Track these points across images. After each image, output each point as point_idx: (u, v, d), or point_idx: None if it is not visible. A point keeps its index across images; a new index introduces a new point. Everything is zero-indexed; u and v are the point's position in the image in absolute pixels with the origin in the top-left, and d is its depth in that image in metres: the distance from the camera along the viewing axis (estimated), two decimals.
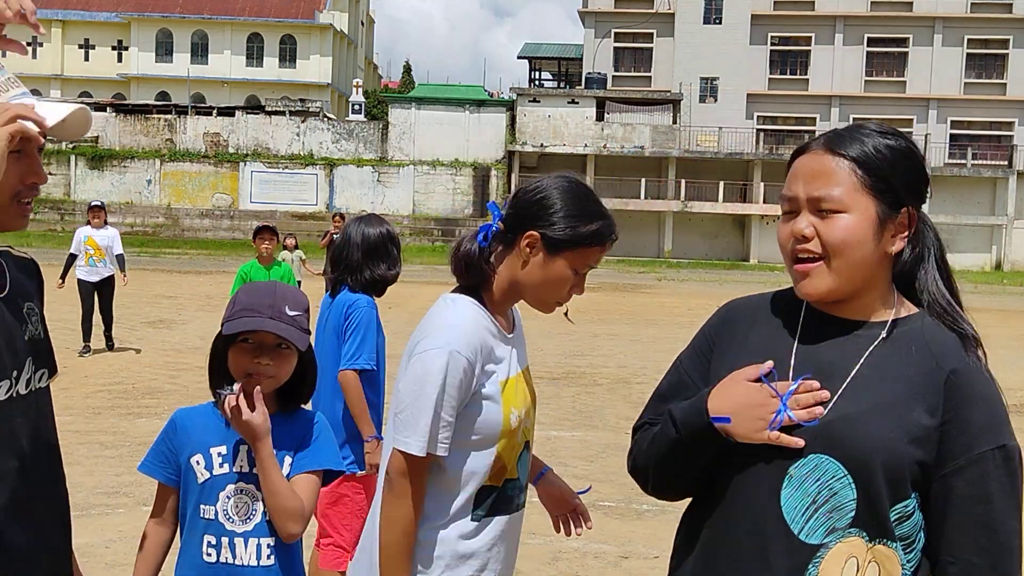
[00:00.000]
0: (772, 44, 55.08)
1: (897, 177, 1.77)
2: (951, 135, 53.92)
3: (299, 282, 11.80)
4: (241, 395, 2.30)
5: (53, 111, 1.89)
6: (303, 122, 51.49)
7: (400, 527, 2.20)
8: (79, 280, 12.79)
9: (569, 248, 2.24)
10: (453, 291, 2.36)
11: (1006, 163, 51.57)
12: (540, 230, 2.26)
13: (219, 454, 2.39)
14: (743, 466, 1.78)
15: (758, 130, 53.16)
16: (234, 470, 2.38)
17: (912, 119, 54.29)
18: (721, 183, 49.81)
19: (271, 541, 2.37)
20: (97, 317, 12.94)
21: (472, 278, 2.33)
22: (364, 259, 4.34)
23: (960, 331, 1.79)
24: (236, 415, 2.29)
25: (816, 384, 1.74)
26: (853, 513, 1.70)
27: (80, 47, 66.38)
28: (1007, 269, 49.02)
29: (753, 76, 54.47)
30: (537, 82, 62.58)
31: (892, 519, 1.71)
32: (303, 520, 2.36)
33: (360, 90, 56.07)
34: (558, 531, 2.65)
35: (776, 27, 55.05)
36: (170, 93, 62.88)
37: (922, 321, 1.80)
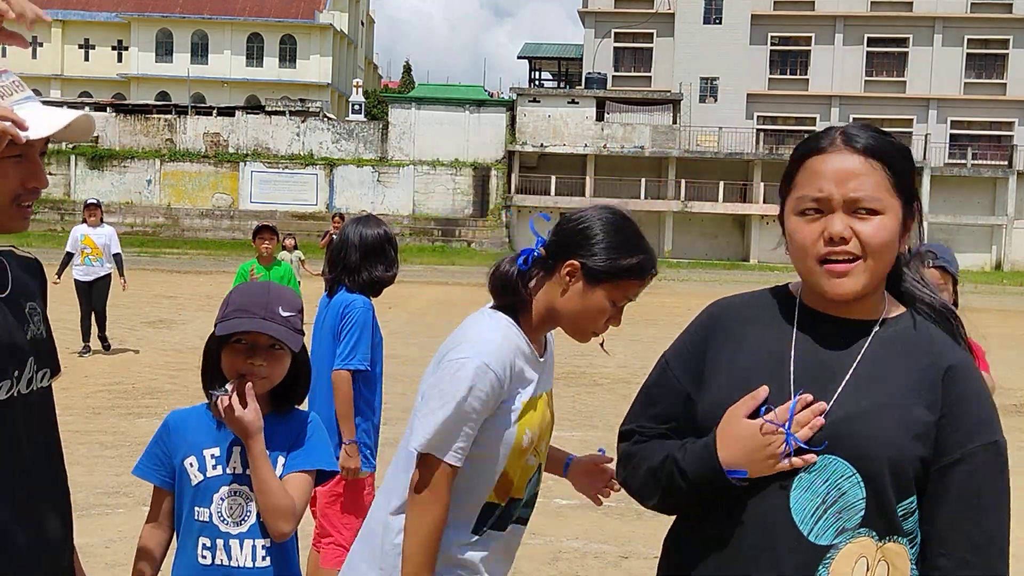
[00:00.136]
0: (772, 44, 55.09)
1: (910, 177, 1.81)
2: (951, 135, 53.92)
3: (299, 282, 11.79)
4: (234, 393, 2.30)
5: (54, 118, 1.88)
6: (303, 122, 51.50)
7: (421, 536, 2.20)
8: (76, 280, 12.67)
9: (608, 280, 2.27)
10: (491, 307, 2.38)
11: (1006, 163, 51.57)
12: (581, 260, 2.28)
13: (212, 456, 2.38)
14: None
15: (758, 130, 53.17)
16: (227, 472, 2.37)
17: (912, 119, 54.29)
18: (721, 183, 49.82)
19: (266, 543, 2.36)
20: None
21: (509, 299, 2.35)
22: (361, 260, 4.35)
23: (949, 328, 1.84)
24: (229, 413, 2.29)
25: (810, 397, 1.74)
26: (863, 512, 1.71)
27: (80, 47, 66.38)
28: (1007, 269, 49.01)
29: (753, 76, 54.47)
30: (537, 82, 62.59)
31: (899, 515, 1.73)
32: (294, 519, 2.35)
33: (360, 90, 56.08)
34: (598, 504, 2.67)
35: (776, 27, 55.04)
36: (170, 93, 62.88)
37: (913, 319, 1.84)
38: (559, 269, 2.31)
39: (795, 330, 1.83)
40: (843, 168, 1.74)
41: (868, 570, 1.72)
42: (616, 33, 55.92)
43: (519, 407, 2.27)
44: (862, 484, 1.71)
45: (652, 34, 55.81)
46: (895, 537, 1.73)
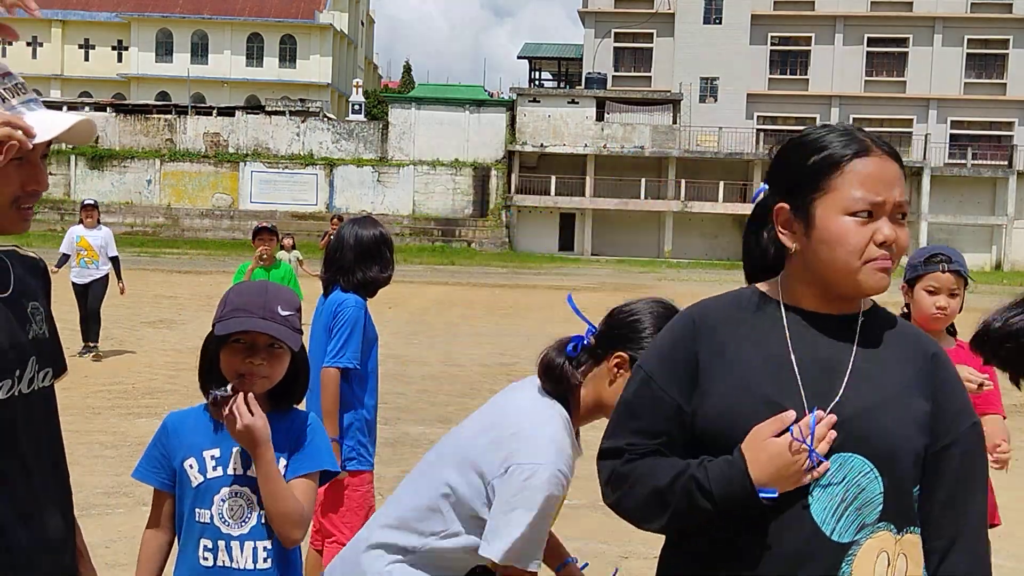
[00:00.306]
0: (772, 44, 55.10)
1: None
2: (951, 135, 53.93)
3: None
4: (238, 401, 2.27)
5: (56, 122, 1.88)
6: (303, 122, 51.51)
7: None
8: (72, 283, 12.48)
9: None
10: (543, 392, 2.39)
11: (1006, 163, 51.58)
12: (629, 352, 2.30)
13: (212, 457, 2.37)
14: None
15: (758, 130, 53.18)
16: (228, 473, 2.36)
17: (912, 119, 54.30)
18: (721, 183, 49.84)
19: (267, 544, 2.35)
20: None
21: (558, 387, 2.38)
22: (356, 260, 4.38)
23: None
24: (231, 422, 2.26)
25: (822, 413, 1.75)
26: (881, 507, 1.73)
27: (80, 47, 66.38)
28: (1007, 269, 49.01)
29: (753, 76, 54.47)
30: (537, 82, 62.60)
31: (915, 506, 1.78)
32: (305, 525, 2.36)
33: (360, 90, 56.09)
34: None
35: (776, 27, 55.05)
36: (170, 93, 62.89)
37: (883, 311, 1.90)
38: (608, 359, 2.35)
39: (787, 331, 1.82)
40: (892, 174, 1.79)
41: (889, 564, 1.74)
42: (616, 33, 55.93)
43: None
44: (880, 479, 1.73)
45: (652, 34, 55.82)
46: (911, 528, 1.77)
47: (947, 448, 1.78)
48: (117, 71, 65.78)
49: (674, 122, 51.46)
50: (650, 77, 55.65)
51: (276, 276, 10.05)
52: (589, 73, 54.06)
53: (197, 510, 2.36)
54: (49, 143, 1.90)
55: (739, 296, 1.92)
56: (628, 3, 56.19)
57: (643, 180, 50.73)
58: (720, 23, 53.86)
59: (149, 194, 51.04)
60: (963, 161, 52.04)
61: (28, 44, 64.17)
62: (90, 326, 12.57)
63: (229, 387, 2.32)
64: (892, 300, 1.97)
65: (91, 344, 12.50)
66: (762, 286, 1.92)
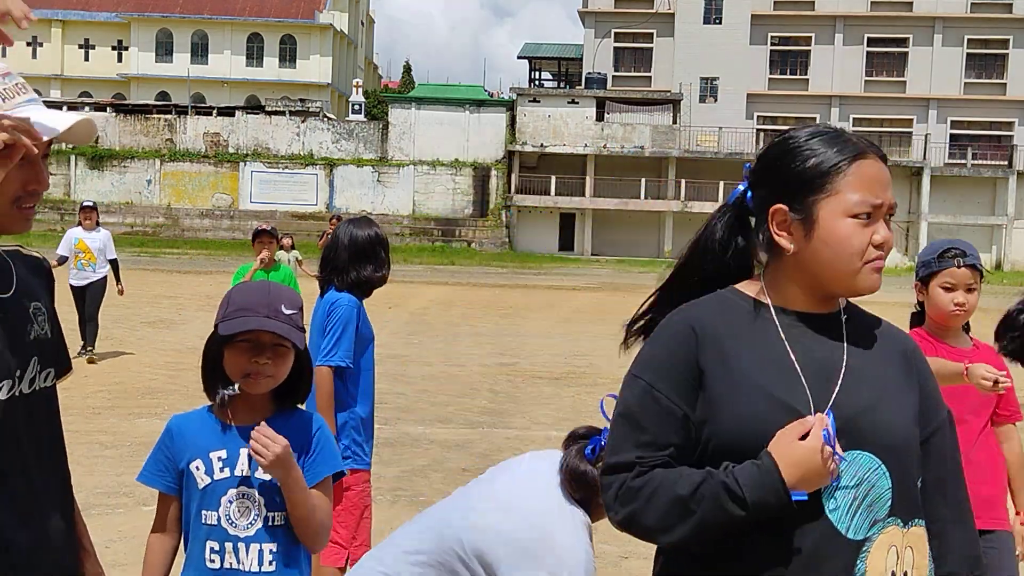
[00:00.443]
0: (772, 44, 55.09)
1: None
2: (951, 135, 53.92)
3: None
4: (256, 436, 2.26)
5: (57, 121, 1.88)
6: (303, 122, 51.51)
7: None
8: (70, 285, 12.31)
9: None
10: (565, 493, 2.48)
11: (1006, 163, 51.59)
12: None
13: (219, 459, 2.37)
14: None
15: (758, 130, 53.16)
16: (235, 474, 2.35)
17: (912, 119, 54.30)
18: (721, 183, 49.80)
19: (273, 547, 2.35)
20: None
21: (586, 494, 2.46)
22: (351, 260, 4.39)
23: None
24: (259, 457, 2.26)
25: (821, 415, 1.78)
26: (890, 502, 1.76)
27: (80, 47, 66.36)
28: (1007, 269, 49.01)
29: (753, 76, 54.47)
30: (537, 82, 62.59)
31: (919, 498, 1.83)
32: (328, 532, 2.41)
33: (360, 90, 56.10)
34: None
35: (776, 27, 55.05)
36: (170, 93, 62.88)
37: (856, 308, 1.93)
38: None
39: (782, 333, 1.83)
40: (887, 176, 1.84)
41: (898, 559, 1.77)
42: (616, 33, 55.92)
43: None
44: (888, 474, 1.76)
45: (652, 34, 55.81)
46: (917, 520, 1.80)
47: (933, 435, 1.86)
48: (117, 71, 65.77)
49: (674, 122, 51.46)
50: (650, 77, 55.64)
51: (276, 278, 10.04)
52: (589, 73, 54.06)
53: (204, 512, 2.35)
54: (50, 143, 1.90)
55: (724, 300, 1.90)
56: (628, 3, 56.18)
57: (643, 180, 50.73)
58: (720, 23, 53.85)
59: (149, 194, 51.04)
60: (963, 161, 52.04)
61: (28, 44, 64.15)
62: (88, 330, 12.46)
63: (237, 386, 2.33)
64: (874, 300, 1.97)
65: (88, 348, 12.40)
66: (743, 288, 1.91)
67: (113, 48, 66.23)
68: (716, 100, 54.08)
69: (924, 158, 50.87)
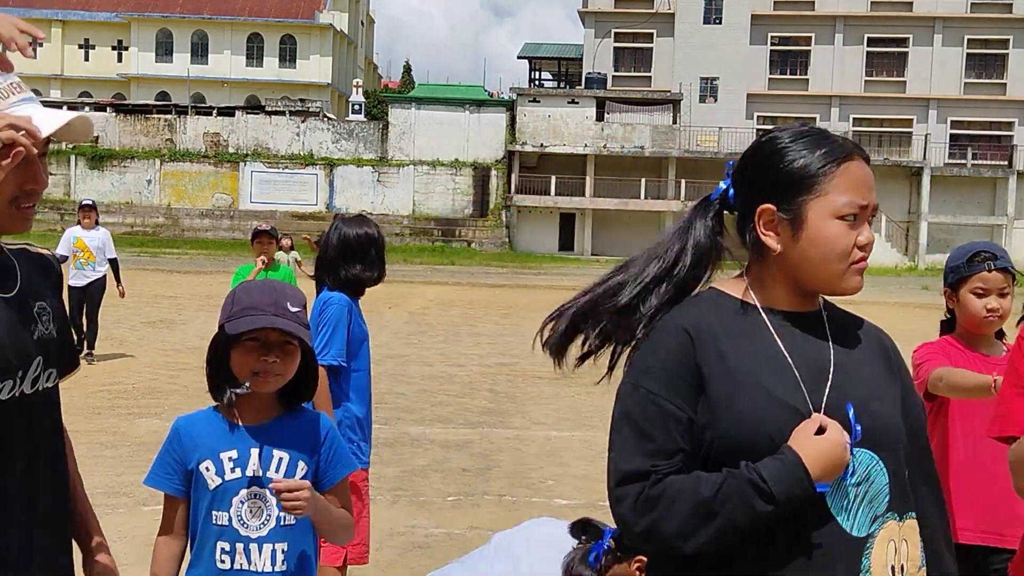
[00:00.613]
0: (772, 44, 55.08)
1: None
2: (951, 135, 53.91)
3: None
4: (285, 494, 2.24)
5: (52, 118, 1.87)
6: (303, 122, 51.51)
7: None
8: (68, 285, 12.12)
9: None
10: None
11: (1006, 163, 51.57)
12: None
13: (230, 459, 2.35)
14: None
15: (758, 130, 53.08)
16: (247, 474, 2.34)
17: (912, 119, 54.29)
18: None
19: (285, 546, 2.35)
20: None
21: None
22: (341, 259, 4.40)
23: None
24: (292, 510, 2.28)
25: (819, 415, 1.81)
26: (888, 496, 1.79)
27: (80, 47, 66.36)
28: None
29: (753, 76, 54.47)
30: (537, 82, 62.58)
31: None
32: (352, 527, 2.47)
33: (360, 90, 56.08)
34: None
35: (776, 27, 55.04)
36: (170, 93, 62.88)
37: (833, 306, 1.95)
38: (629, 562, 2.52)
39: (774, 333, 1.84)
40: (871, 177, 1.85)
41: (896, 552, 1.79)
42: (616, 33, 55.91)
43: None
44: (885, 470, 1.78)
45: (652, 34, 55.81)
46: (910, 513, 1.83)
47: (913, 427, 1.90)
48: (117, 71, 65.77)
49: (674, 122, 51.45)
50: (650, 77, 55.63)
51: (277, 278, 10.04)
52: (589, 73, 54.05)
53: (214, 512, 2.34)
54: (47, 142, 1.89)
55: (712, 301, 1.89)
56: (628, 3, 56.18)
57: (643, 180, 50.71)
58: (720, 23, 53.85)
59: (149, 194, 51.03)
60: (963, 161, 52.02)
61: (28, 44, 64.08)
62: (87, 331, 12.36)
63: (248, 385, 2.32)
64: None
65: (89, 352, 12.27)
66: (726, 289, 1.90)
67: (113, 48, 66.24)
68: (716, 100, 54.08)
69: (924, 158, 50.86)
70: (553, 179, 50.93)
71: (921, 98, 54.34)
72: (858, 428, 1.75)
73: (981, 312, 3.24)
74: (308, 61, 65.88)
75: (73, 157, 50.54)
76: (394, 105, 52.60)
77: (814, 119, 53.59)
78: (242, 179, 50.97)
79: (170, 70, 64.85)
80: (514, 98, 52.53)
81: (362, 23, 76.34)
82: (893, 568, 1.78)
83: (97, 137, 50.87)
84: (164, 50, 65.57)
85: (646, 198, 50.63)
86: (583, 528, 2.61)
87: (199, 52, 65.67)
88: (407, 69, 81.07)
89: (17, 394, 1.91)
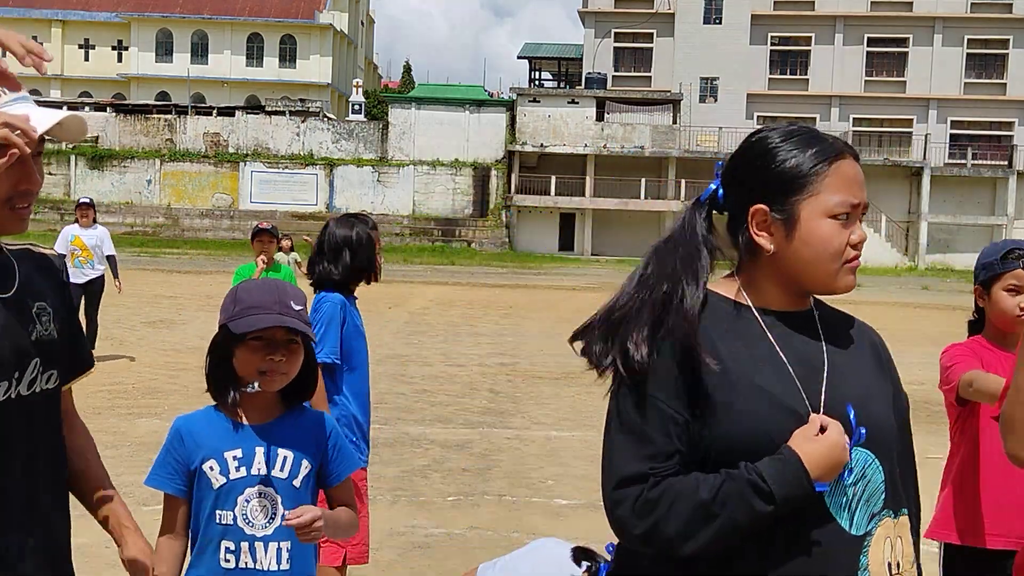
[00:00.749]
0: (772, 44, 55.09)
1: None
2: (951, 135, 53.92)
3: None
4: (300, 529, 2.25)
5: (45, 117, 1.86)
6: (303, 122, 51.51)
7: None
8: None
9: None
10: None
11: (1006, 163, 51.58)
12: None
13: (234, 458, 2.34)
14: None
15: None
16: (252, 473, 2.33)
17: (912, 119, 54.29)
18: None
19: (289, 545, 2.35)
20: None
21: None
22: (329, 258, 4.43)
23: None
24: (312, 537, 2.30)
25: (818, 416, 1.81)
26: (884, 494, 1.80)
27: (80, 47, 66.39)
28: None
29: (753, 76, 54.48)
30: (537, 82, 62.59)
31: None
32: (356, 524, 2.50)
33: (360, 90, 56.10)
34: None
35: (776, 27, 55.05)
36: (170, 93, 62.90)
37: (824, 304, 1.95)
38: None
39: (768, 333, 1.84)
40: (862, 176, 1.86)
41: (891, 549, 1.80)
42: (616, 33, 55.92)
43: None
44: (880, 468, 1.80)
45: (652, 34, 55.81)
46: (903, 510, 1.84)
47: (903, 425, 1.91)
48: (117, 71, 65.80)
49: (674, 122, 51.46)
50: (650, 77, 55.64)
51: (277, 277, 10.04)
52: (589, 73, 54.06)
53: (218, 512, 2.33)
54: (42, 140, 1.87)
55: (705, 302, 1.86)
56: (628, 3, 56.18)
57: (643, 180, 50.72)
58: (720, 23, 53.85)
59: (149, 194, 51.04)
60: (963, 161, 52.03)
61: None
62: (87, 331, 12.33)
63: (256, 385, 2.32)
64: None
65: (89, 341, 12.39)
66: (718, 289, 1.89)
67: (113, 48, 66.26)
68: (716, 100, 54.09)
69: (924, 158, 50.86)
70: (553, 179, 50.94)
71: (921, 98, 54.34)
72: (862, 431, 1.75)
73: (1014, 310, 3.16)
74: (308, 61, 65.90)
75: (73, 157, 50.55)
76: (394, 105, 52.61)
77: (814, 119, 53.60)
78: (242, 179, 50.98)
79: (170, 70, 64.88)
80: (514, 98, 52.53)
81: (362, 23, 76.35)
82: (890, 565, 1.79)
83: (97, 137, 50.89)
84: (164, 50, 65.60)
85: (646, 198, 50.64)
86: (585, 554, 2.60)
87: (199, 52, 65.69)
88: (407, 69, 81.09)
89: (13, 395, 1.90)
